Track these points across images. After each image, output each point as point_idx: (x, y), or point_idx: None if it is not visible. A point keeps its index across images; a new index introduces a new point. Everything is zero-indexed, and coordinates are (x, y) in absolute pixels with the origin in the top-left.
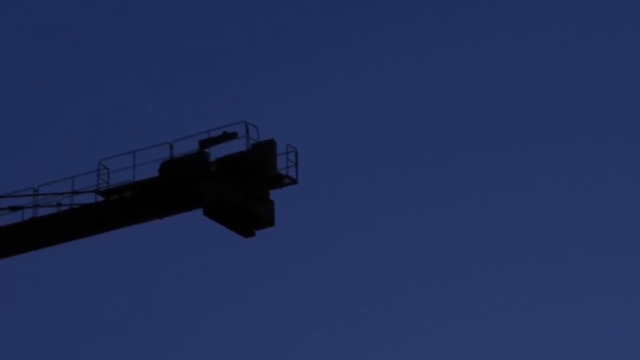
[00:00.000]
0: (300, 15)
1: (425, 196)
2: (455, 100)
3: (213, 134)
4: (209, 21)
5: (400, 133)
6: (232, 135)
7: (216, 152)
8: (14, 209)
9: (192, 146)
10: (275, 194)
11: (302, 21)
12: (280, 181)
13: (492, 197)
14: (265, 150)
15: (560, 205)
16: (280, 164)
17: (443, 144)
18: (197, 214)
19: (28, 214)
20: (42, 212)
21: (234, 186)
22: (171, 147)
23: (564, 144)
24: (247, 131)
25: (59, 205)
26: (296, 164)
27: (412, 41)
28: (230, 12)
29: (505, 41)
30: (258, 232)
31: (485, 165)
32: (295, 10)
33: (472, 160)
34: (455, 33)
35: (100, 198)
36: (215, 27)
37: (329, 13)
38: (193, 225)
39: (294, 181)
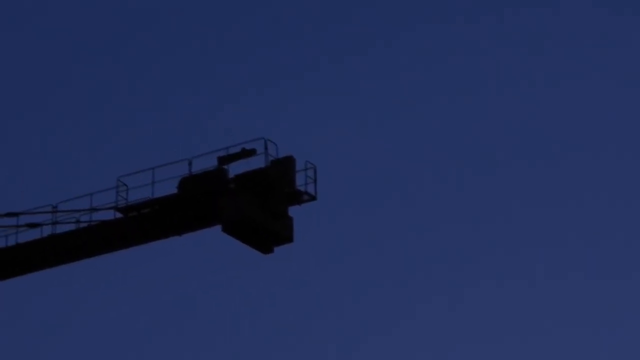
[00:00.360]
0: (319, 31)
1: (447, 212)
2: (481, 117)
3: (232, 151)
4: (230, 38)
5: (422, 149)
6: (250, 152)
7: (235, 169)
8: (32, 225)
9: (210, 163)
10: (294, 211)
11: (320, 38)
12: (299, 197)
13: (519, 214)
14: (284, 166)
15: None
16: (299, 180)
17: (465, 161)
18: (216, 231)
19: (47, 231)
20: (60, 229)
21: (252, 203)
22: (190, 164)
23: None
24: (266, 148)
25: (77, 222)
26: (315, 181)
27: (436, 53)
28: (249, 29)
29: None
30: (277, 249)
31: (508, 182)
32: (312, 24)
33: (494, 179)
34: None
35: (119, 215)
36: (236, 44)
37: (349, 23)
38: (212, 242)
39: (312, 197)
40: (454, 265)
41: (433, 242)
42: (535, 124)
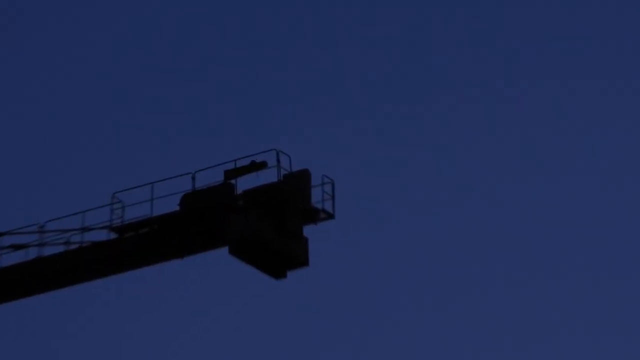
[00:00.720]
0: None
1: (473, 233)
2: (503, 131)
3: (240, 164)
4: (236, 43)
5: (444, 165)
6: (261, 165)
7: (244, 184)
8: (17, 247)
9: (216, 177)
10: (309, 230)
11: (335, 45)
12: (315, 216)
13: (540, 240)
14: (298, 181)
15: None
16: (316, 196)
17: (491, 178)
18: (222, 253)
19: (33, 253)
20: (48, 250)
21: (263, 221)
22: (193, 178)
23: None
24: (278, 160)
25: (67, 243)
26: (333, 197)
27: (462, 71)
28: (256, 35)
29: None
30: (290, 273)
31: (539, 196)
32: (332, 34)
33: (520, 193)
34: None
35: (113, 235)
36: (246, 49)
37: (371, 33)
38: (217, 265)
39: (330, 216)
40: (483, 289)
41: (461, 266)
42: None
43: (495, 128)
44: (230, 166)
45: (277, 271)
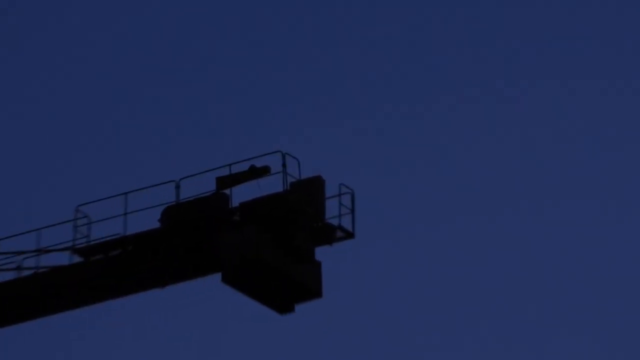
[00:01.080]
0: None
1: (507, 254)
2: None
3: (236, 169)
4: (232, 43)
5: (478, 171)
6: (262, 171)
7: (240, 194)
8: None
9: (207, 186)
10: (323, 253)
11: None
12: (330, 234)
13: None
14: (309, 191)
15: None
16: (331, 210)
17: (531, 193)
18: (213, 281)
19: None
20: None
21: (264, 241)
22: (177, 188)
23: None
24: (284, 165)
25: (19, 268)
26: (353, 211)
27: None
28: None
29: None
30: (299, 307)
31: (569, 215)
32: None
33: (550, 211)
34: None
35: (77, 258)
36: (241, 48)
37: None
38: (207, 297)
39: (349, 235)
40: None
41: (504, 294)
42: None
43: (523, 148)
44: (224, 172)
45: (282, 304)
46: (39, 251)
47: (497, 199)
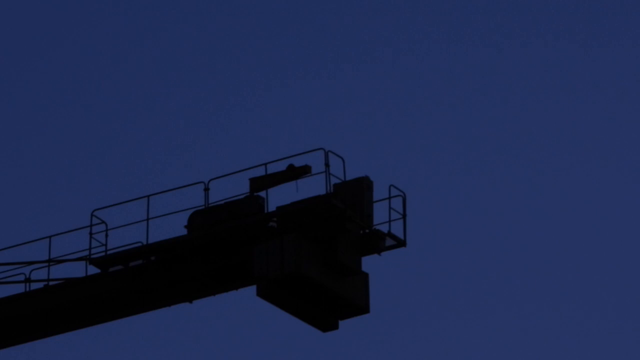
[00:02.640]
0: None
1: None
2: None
3: (273, 169)
4: (244, 38)
5: (540, 171)
6: (302, 171)
7: (277, 197)
8: None
9: (239, 188)
10: (370, 263)
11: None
12: (378, 243)
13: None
14: (355, 194)
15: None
16: (379, 215)
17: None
18: (247, 294)
19: None
20: (4, 291)
21: (305, 251)
22: (206, 190)
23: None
24: (327, 164)
25: (28, 281)
26: (404, 216)
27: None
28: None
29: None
30: (343, 323)
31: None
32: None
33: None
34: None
35: (93, 270)
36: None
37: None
38: (241, 312)
39: (400, 243)
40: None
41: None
42: None
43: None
44: (259, 172)
45: (325, 320)
46: (51, 261)
47: (563, 204)
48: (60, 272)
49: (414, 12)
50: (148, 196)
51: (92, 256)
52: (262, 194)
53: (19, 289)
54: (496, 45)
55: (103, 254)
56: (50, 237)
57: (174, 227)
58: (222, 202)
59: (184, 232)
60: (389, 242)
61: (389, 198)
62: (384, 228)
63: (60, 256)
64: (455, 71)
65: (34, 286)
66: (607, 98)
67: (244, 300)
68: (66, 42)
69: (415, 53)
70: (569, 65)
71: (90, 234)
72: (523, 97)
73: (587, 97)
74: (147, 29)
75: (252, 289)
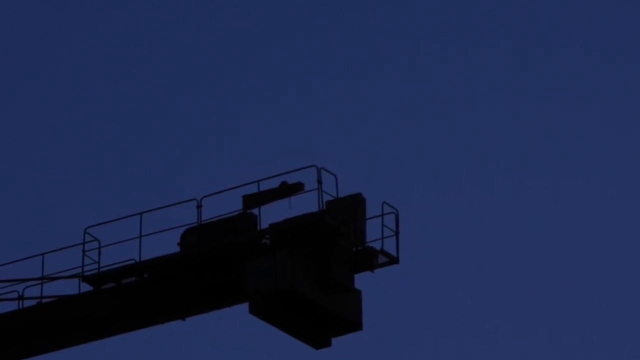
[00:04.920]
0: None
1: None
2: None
3: (265, 186)
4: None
5: (533, 189)
6: (295, 188)
7: (270, 214)
8: None
9: (232, 205)
10: (363, 280)
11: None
12: (371, 260)
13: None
14: (347, 211)
15: None
16: (372, 232)
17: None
18: (240, 311)
19: None
20: None
21: (298, 268)
22: (199, 207)
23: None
24: (320, 181)
25: (21, 298)
26: (397, 233)
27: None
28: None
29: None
30: (336, 340)
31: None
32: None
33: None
34: None
35: (86, 287)
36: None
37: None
38: (234, 329)
39: (393, 260)
40: None
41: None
42: None
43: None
44: (252, 190)
45: (318, 337)
46: (44, 279)
47: (557, 221)
48: (53, 289)
49: (405, 31)
50: (141, 213)
51: (85, 273)
52: (255, 211)
53: (12, 306)
54: (486, 61)
55: (96, 271)
56: (43, 254)
57: (167, 245)
58: (215, 219)
59: (177, 249)
60: (382, 259)
61: (382, 215)
62: (377, 245)
63: (53, 273)
64: (447, 88)
65: (27, 303)
66: (596, 110)
67: (237, 317)
68: (57, 57)
69: (407, 70)
70: (562, 77)
71: (83, 251)
72: (515, 113)
73: (580, 110)
74: (139, 45)
75: (245, 306)
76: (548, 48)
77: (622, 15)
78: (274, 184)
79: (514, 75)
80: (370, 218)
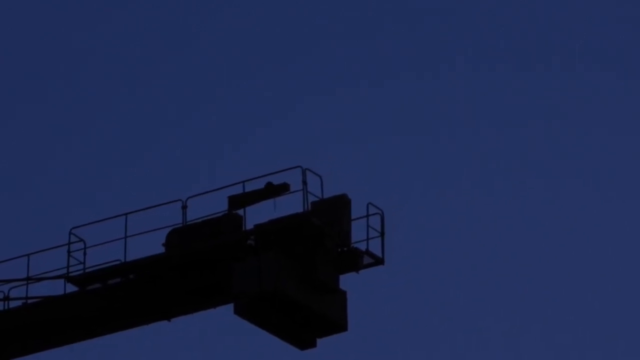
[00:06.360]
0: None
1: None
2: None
3: (250, 187)
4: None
5: (517, 189)
6: (280, 189)
7: (255, 215)
8: None
9: (217, 206)
10: (348, 280)
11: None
12: (356, 260)
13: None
14: (333, 211)
15: None
16: (357, 233)
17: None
18: (225, 312)
19: None
20: None
21: (283, 269)
22: (184, 208)
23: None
24: (305, 182)
25: (6, 299)
26: (382, 234)
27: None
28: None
29: None
30: (321, 341)
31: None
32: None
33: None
34: None
35: (72, 288)
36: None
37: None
38: (219, 330)
39: (378, 261)
40: None
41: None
42: None
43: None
44: (238, 190)
45: (303, 338)
46: (29, 279)
47: (542, 222)
48: (39, 290)
49: (401, 30)
50: (126, 214)
51: (71, 274)
52: (241, 211)
53: None
54: (468, 67)
55: (81, 272)
56: (28, 255)
57: (153, 245)
58: (200, 220)
59: (162, 250)
60: (367, 260)
61: (367, 216)
62: (362, 246)
63: (38, 274)
64: (430, 90)
65: (13, 304)
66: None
67: (223, 318)
68: (46, 58)
69: (389, 72)
70: (528, 90)
71: (69, 252)
72: (498, 116)
73: (580, 110)
74: (127, 46)
75: (230, 307)
76: (548, 48)
77: (622, 15)
78: (260, 184)
79: (490, 83)
80: (356, 219)
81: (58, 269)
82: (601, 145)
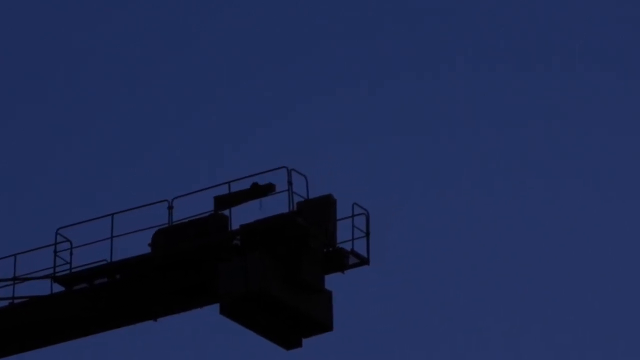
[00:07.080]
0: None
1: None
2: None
3: (236, 188)
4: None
5: (504, 191)
6: (266, 189)
7: (241, 215)
8: None
9: (203, 207)
10: (334, 281)
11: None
12: (342, 261)
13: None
14: (318, 212)
15: None
16: (343, 233)
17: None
18: (211, 312)
19: None
20: None
21: (269, 269)
22: (170, 208)
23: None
24: (290, 182)
25: None
26: (367, 234)
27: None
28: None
29: None
30: (307, 341)
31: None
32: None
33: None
34: None
35: (58, 287)
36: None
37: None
38: (204, 330)
39: (364, 261)
40: None
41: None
42: None
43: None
44: (223, 191)
45: (288, 338)
46: (16, 279)
47: (524, 222)
48: (25, 290)
49: (397, 30)
50: (112, 214)
51: (57, 274)
52: (226, 212)
53: None
54: (468, 67)
55: (68, 272)
56: (15, 255)
57: (139, 245)
58: (186, 220)
59: (148, 250)
60: (353, 260)
61: (352, 216)
62: (348, 246)
63: (25, 274)
64: (430, 90)
65: None
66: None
67: (208, 318)
68: (38, 58)
69: (377, 71)
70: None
71: (55, 252)
72: (498, 116)
73: (580, 110)
74: (127, 46)
75: (216, 307)
76: (548, 48)
77: (622, 15)
78: (245, 185)
79: (477, 81)
80: (341, 219)
81: (44, 269)
82: (601, 145)
